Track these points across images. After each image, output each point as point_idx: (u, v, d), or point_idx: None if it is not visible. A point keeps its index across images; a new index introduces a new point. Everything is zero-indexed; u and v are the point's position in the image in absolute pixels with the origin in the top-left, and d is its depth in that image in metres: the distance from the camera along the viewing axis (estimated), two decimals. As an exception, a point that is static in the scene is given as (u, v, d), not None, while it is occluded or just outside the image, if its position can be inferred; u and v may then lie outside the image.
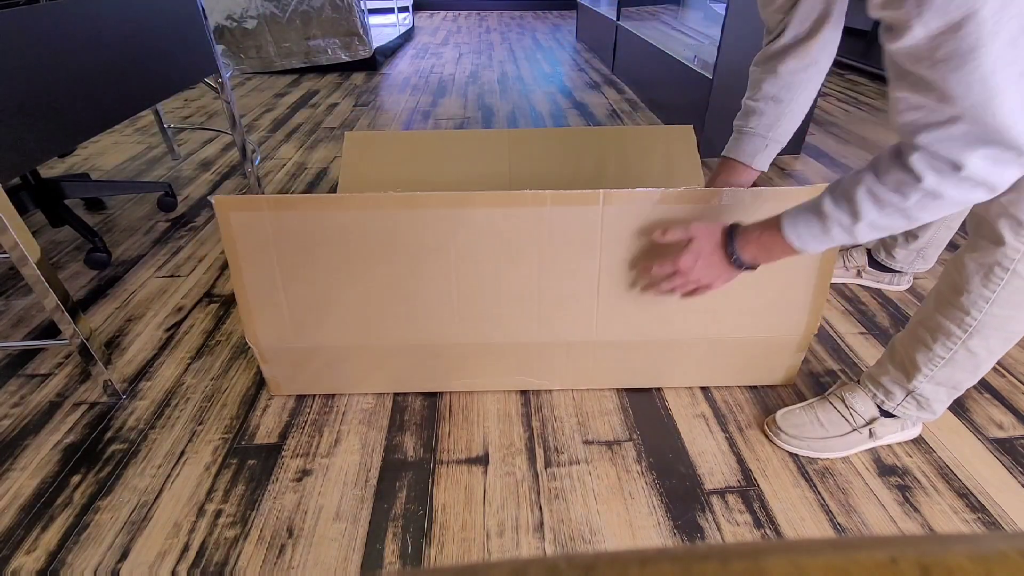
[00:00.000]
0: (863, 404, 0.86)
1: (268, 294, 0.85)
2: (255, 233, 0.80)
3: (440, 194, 0.79)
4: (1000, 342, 0.72)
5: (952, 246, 1.39)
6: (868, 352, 1.08)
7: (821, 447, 0.86)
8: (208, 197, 1.76)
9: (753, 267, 0.71)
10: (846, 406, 0.86)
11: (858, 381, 0.89)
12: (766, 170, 0.86)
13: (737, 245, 0.69)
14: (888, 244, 1.22)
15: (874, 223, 0.57)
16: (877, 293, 1.25)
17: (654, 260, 0.79)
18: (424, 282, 0.86)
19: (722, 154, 0.87)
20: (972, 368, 0.75)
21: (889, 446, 0.88)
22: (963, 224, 1.35)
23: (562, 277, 0.86)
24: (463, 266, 0.84)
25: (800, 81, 0.79)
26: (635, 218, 0.81)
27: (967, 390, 0.98)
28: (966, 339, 0.72)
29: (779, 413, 0.90)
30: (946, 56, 0.45)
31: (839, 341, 1.11)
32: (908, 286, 1.25)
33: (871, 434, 0.85)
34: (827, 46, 0.77)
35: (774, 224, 0.65)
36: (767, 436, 0.90)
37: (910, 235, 1.16)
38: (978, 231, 0.69)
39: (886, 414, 0.85)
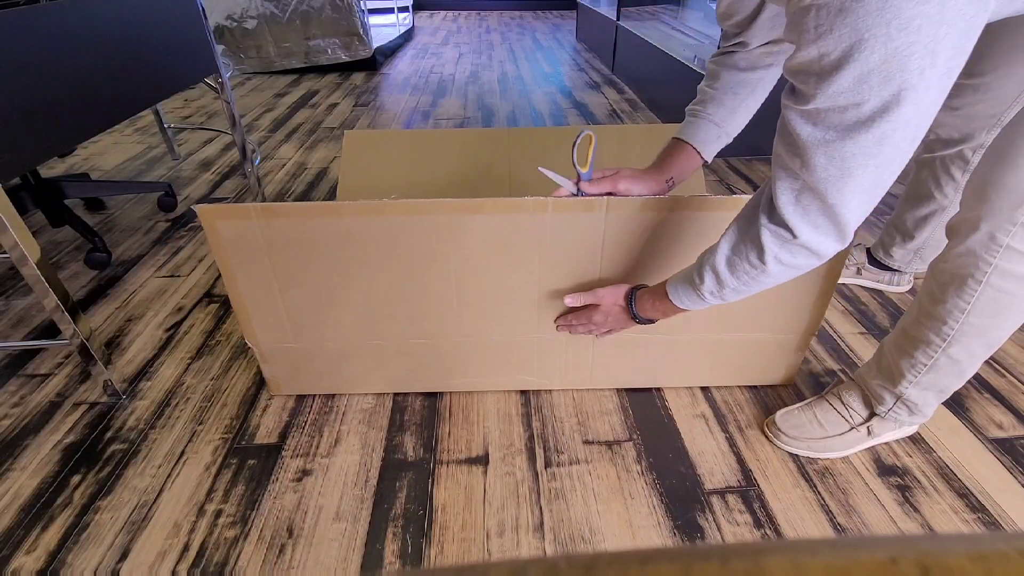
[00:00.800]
0: (860, 403, 0.86)
1: (264, 298, 0.84)
2: (246, 241, 0.79)
3: (440, 201, 0.78)
4: (982, 348, 0.72)
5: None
6: (868, 352, 1.08)
7: (821, 447, 0.86)
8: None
9: (653, 321, 0.79)
10: (844, 405, 0.87)
11: (852, 380, 0.89)
12: (710, 162, 0.85)
13: (636, 307, 0.78)
14: (886, 243, 1.21)
15: (738, 289, 0.63)
16: (877, 293, 1.26)
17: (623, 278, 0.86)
18: (424, 286, 0.85)
19: (675, 136, 0.85)
20: (957, 373, 0.76)
21: (889, 446, 0.88)
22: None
23: (562, 280, 0.86)
24: (464, 270, 0.84)
25: (759, 79, 0.80)
26: (638, 223, 0.81)
27: (966, 389, 0.98)
28: (946, 347, 0.73)
29: (778, 414, 0.90)
30: (825, 128, 0.47)
31: (839, 341, 1.11)
32: (909, 287, 1.25)
33: (869, 432, 0.85)
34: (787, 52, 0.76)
35: (663, 290, 0.72)
36: (767, 437, 0.90)
37: (907, 235, 1.16)
38: (951, 243, 0.69)
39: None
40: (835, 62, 0.43)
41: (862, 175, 0.48)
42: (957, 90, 0.93)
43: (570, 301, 0.84)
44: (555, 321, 0.90)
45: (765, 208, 0.58)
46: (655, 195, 0.81)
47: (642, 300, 0.77)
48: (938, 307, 0.71)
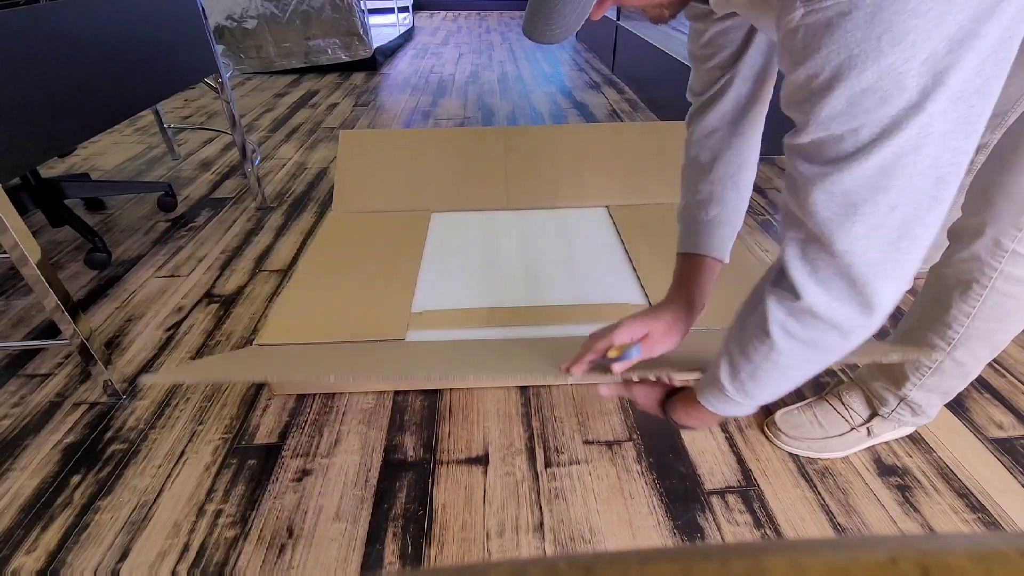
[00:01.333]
0: (860, 403, 0.86)
1: None
2: None
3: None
4: (987, 350, 0.72)
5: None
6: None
7: (821, 447, 0.86)
8: (208, 197, 1.76)
9: (684, 426, 0.66)
10: (844, 405, 0.87)
11: (853, 381, 0.89)
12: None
13: (671, 416, 0.66)
14: None
15: (754, 374, 0.52)
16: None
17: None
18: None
19: (688, 251, 0.71)
20: (961, 375, 0.76)
21: (889, 446, 0.88)
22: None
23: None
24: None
25: (753, 134, 0.68)
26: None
27: (966, 389, 0.98)
28: (951, 351, 0.72)
29: (778, 414, 0.90)
30: (823, 162, 0.41)
31: (839, 341, 1.11)
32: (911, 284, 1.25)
33: (869, 432, 0.85)
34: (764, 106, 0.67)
35: (693, 397, 0.61)
36: (767, 437, 0.90)
37: None
38: (953, 247, 0.69)
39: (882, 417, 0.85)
40: (825, 83, 0.38)
41: (871, 214, 0.41)
42: None
43: (605, 392, 0.70)
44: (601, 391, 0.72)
45: (773, 271, 0.49)
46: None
47: (675, 410, 0.65)
48: (942, 312, 0.70)
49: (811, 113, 0.40)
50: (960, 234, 0.67)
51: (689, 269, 0.71)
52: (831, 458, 0.86)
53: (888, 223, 0.41)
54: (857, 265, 0.43)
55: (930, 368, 0.75)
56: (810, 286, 0.45)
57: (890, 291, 0.44)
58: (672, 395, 0.67)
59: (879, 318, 0.45)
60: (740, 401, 0.56)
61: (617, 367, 0.66)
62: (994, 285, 0.65)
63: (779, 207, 0.47)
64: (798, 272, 0.45)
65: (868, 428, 0.85)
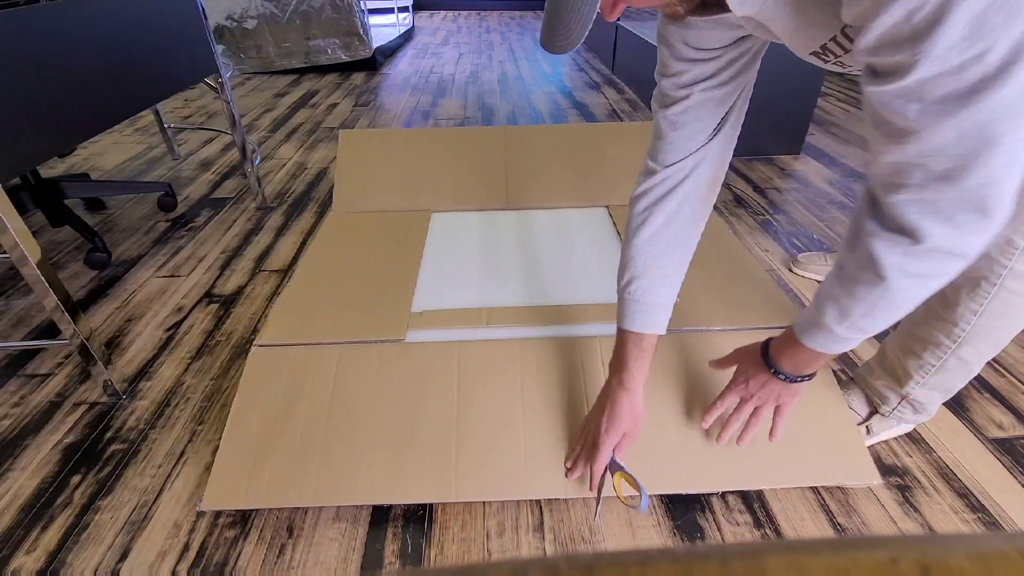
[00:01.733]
0: (860, 402, 0.86)
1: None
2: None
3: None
4: (991, 348, 0.72)
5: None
6: (868, 353, 1.08)
7: None
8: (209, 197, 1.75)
9: (803, 376, 0.66)
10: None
11: (852, 380, 0.89)
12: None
13: (772, 360, 0.67)
14: None
15: (869, 312, 0.52)
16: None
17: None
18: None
19: (636, 330, 0.72)
20: (964, 373, 0.76)
21: (889, 446, 0.88)
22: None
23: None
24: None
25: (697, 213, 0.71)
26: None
27: (966, 389, 0.98)
28: (956, 348, 0.72)
29: None
30: (942, 100, 0.38)
31: (839, 341, 1.11)
32: None
33: (868, 431, 0.85)
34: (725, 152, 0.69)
35: (793, 338, 0.62)
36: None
37: None
38: None
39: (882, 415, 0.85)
40: (932, 14, 0.34)
41: (1012, 141, 0.38)
42: None
43: (714, 365, 0.76)
44: (717, 439, 0.77)
45: (870, 212, 0.48)
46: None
47: (776, 351, 0.66)
48: (949, 309, 0.70)
49: (918, 52, 0.36)
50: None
51: (636, 347, 0.73)
52: None
53: (1022, 144, 0.38)
54: (993, 195, 0.41)
55: (934, 366, 0.75)
56: (934, 227, 0.43)
57: (1013, 202, 0.42)
58: (766, 352, 0.68)
59: (999, 228, 0.44)
60: (850, 337, 0.56)
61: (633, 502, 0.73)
62: (1003, 283, 0.65)
63: (869, 147, 0.47)
64: (917, 217, 0.44)
65: (867, 427, 0.85)
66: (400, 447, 0.81)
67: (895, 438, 0.89)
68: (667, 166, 0.67)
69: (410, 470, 0.79)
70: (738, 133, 0.68)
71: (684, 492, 0.79)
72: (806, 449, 0.80)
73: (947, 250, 0.45)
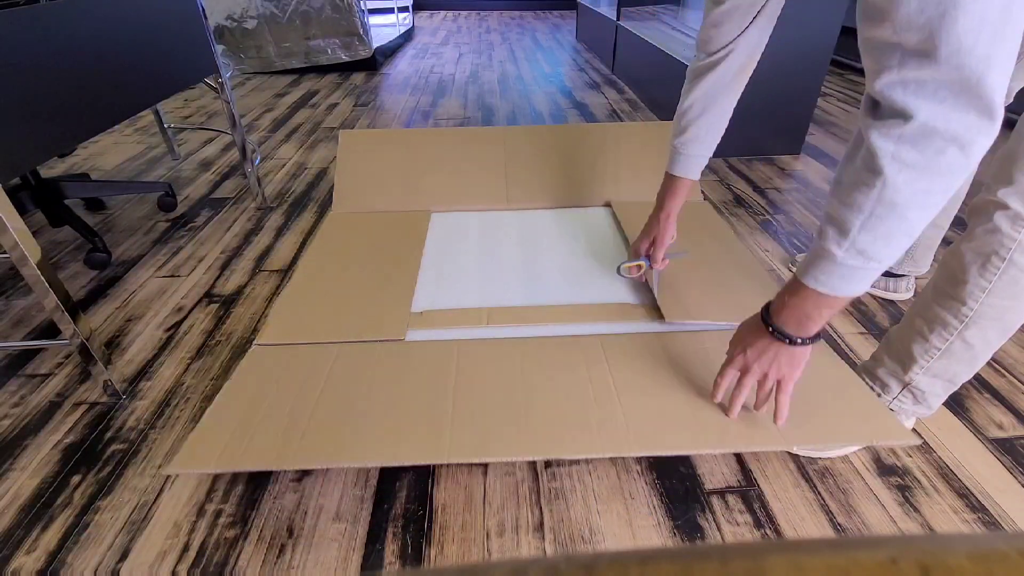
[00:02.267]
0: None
1: None
2: None
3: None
4: (997, 333, 0.72)
5: (948, 243, 1.39)
6: (868, 352, 1.08)
7: (829, 447, 0.86)
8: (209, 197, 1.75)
9: (805, 338, 0.63)
10: None
11: (854, 371, 0.89)
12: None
13: (772, 318, 0.65)
14: None
15: (867, 224, 0.50)
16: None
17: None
18: None
19: (669, 171, 1.00)
20: (969, 360, 0.75)
21: (889, 445, 0.88)
22: (956, 221, 1.35)
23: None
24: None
25: (742, 80, 0.89)
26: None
27: (966, 389, 0.98)
28: (962, 329, 0.72)
29: None
30: None
31: (839, 341, 1.11)
32: (909, 294, 1.23)
33: None
34: (757, 48, 0.86)
35: (795, 282, 0.60)
36: None
37: None
38: (975, 221, 0.69)
39: None
40: None
41: (971, 3, 0.39)
42: None
43: (721, 394, 0.76)
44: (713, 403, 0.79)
45: (866, 112, 0.48)
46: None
47: (776, 308, 0.64)
48: (958, 287, 0.70)
49: None
50: (983, 208, 0.68)
51: (671, 186, 1.00)
52: (831, 457, 0.86)
53: (991, 6, 0.39)
54: (967, 64, 0.41)
55: (939, 350, 0.75)
56: (920, 102, 0.44)
57: (1000, 84, 0.42)
58: (767, 311, 0.66)
59: (998, 119, 0.44)
60: (856, 265, 0.52)
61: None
62: (1012, 258, 0.65)
63: (860, 45, 0.48)
64: (902, 94, 0.44)
65: None
66: (392, 417, 0.79)
67: (895, 438, 0.89)
68: (709, 53, 0.86)
69: (401, 435, 0.76)
70: (773, 24, 0.82)
71: (713, 452, 0.79)
72: (831, 415, 0.78)
73: (939, 131, 0.44)
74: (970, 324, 0.71)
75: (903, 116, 0.45)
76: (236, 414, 0.80)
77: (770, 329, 0.65)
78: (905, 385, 0.81)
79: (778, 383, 0.69)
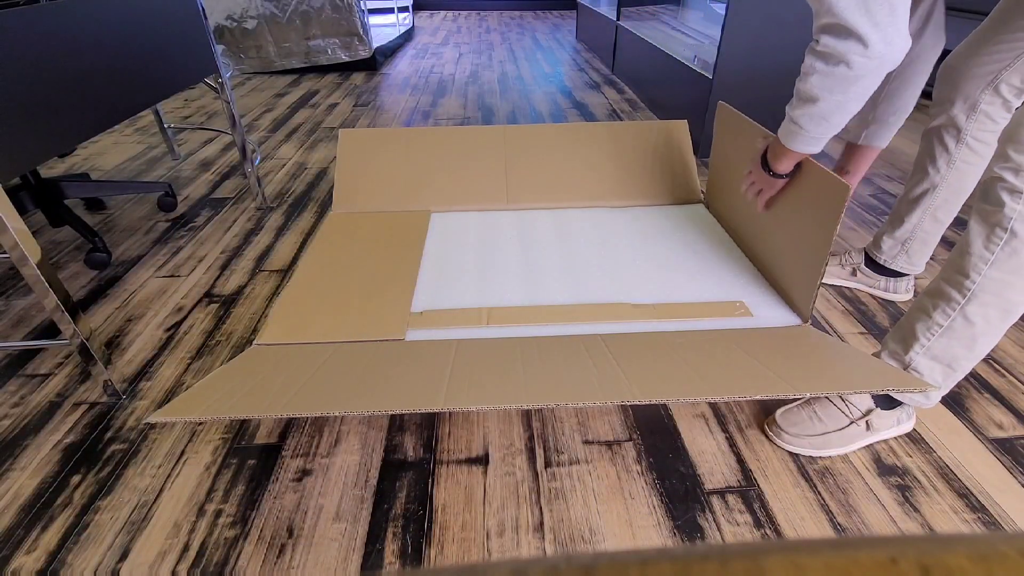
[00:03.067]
0: (859, 396, 0.86)
1: None
2: None
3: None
4: (998, 313, 0.73)
5: (946, 243, 1.39)
6: (867, 352, 1.08)
7: (821, 443, 0.86)
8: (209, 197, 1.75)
9: (777, 172, 0.95)
10: (843, 399, 0.87)
11: None
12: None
13: (766, 157, 0.96)
14: (878, 234, 1.20)
15: (798, 106, 0.81)
16: (877, 293, 1.25)
17: None
18: None
19: (858, 142, 1.12)
20: (968, 341, 0.76)
21: (889, 446, 0.88)
22: (956, 221, 1.35)
23: None
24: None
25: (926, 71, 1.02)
26: None
27: (966, 389, 0.98)
28: (964, 304, 0.74)
29: (778, 412, 0.90)
30: None
31: (839, 341, 1.11)
32: (908, 296, 1.23)
33: (868, 426, 0.85)
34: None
35: (777, 145, 0.91)
36: (767, 436, 0.90)
37: (897, 221, 1.15)
38: (982, 197, 0.72)
39: (883, 401, 0.85)
40: None
41: None
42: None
43: (746, 194, 1.07)
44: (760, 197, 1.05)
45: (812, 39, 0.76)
46: None
47: (768, 152, 0.95)
48: (964, 260, 0.73)
49: None
50: (987, 184, 0.71)
51: (860, 154, 1.13)
52: (832, 455, 0.86)
53: None
54: (840, 15, 0.68)
55: (941, 327, 0.76)
56: (825, 36, 0.71)
57: (867, 26, 0.67)
58: (764, 155, 0.97)
59: (874, 46, 0.68)
60: (794, 130, 0.84)
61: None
62: (1012, 228, 0.68)
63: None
64: (818, 32, 0.72)
65: (867, 422, 0.85)
66: (389, 380, 0.78)
67: (895, 438, 0.89)
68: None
69: (396, 391, 0.75)
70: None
71: (731, 398, 0.77)
72: (841, 372, 0.80)
73: (833, 53, 0.71)
74: (972, 299, 0.73)
75: (817, 42, 0.73)
76: (226, 385, 0.79)
77: (762, 163, 0.97)
78: (905, 367, 0.81)
79: (760, 191, 1.03)
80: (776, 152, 0.91)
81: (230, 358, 1.08)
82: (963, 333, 0.75)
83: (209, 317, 1.20)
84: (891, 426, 0.86)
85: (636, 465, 0.86)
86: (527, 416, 0.95)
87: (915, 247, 1.16)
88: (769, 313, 1.00)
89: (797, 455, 0.87)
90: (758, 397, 0.72)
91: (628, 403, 0.72)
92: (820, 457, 0.86)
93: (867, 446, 0.88)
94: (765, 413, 0.94)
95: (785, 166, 0.93)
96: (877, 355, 0.86)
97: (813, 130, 0.81)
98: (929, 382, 0.81)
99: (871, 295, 1.25)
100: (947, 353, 0.78)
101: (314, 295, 1.07)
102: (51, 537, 0.76)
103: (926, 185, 1.08)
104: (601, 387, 0.74)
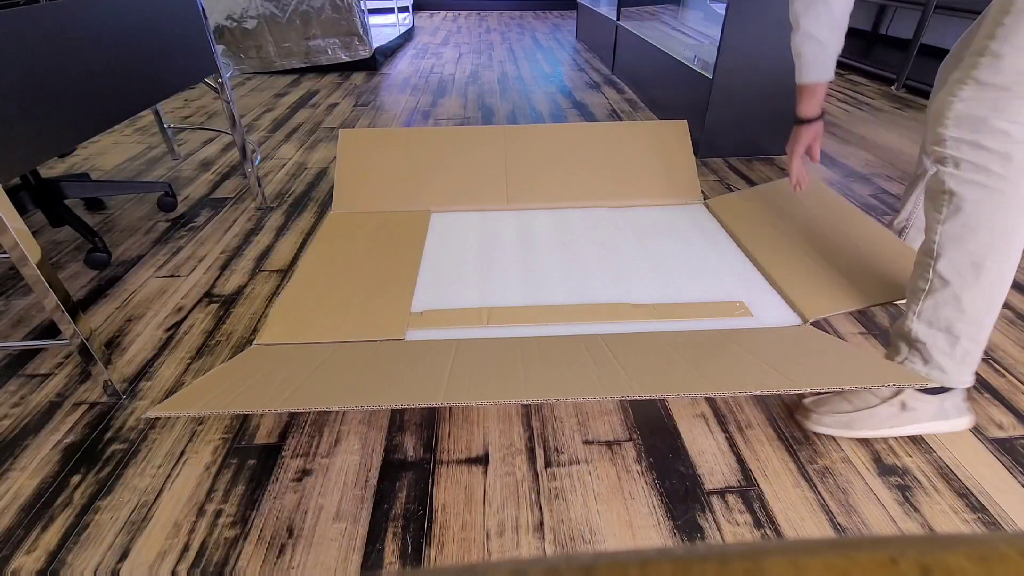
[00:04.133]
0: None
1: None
2: None
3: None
4: (967, 266, 0.75)
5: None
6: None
7: (849, 421, 0.87)
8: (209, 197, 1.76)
9: (801, 118, 1.03)
10: None
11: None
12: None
13: (796, 113, 1.05)
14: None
15: (793, 22, 0.94)
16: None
17: None
18: None
19: (807, 81, 1.08)
20: (951, 299, 0.77)
21: (889, 446, 0.88)
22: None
23: None
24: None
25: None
26: None
27: (967, 389, 0.98)
28: (934, 264, 0.78)
29: (808, 399, 0.92)
30: None
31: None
32: None
33: (903, 406, 0.86)
34: None
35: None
36: (797, 423, 0.91)
37: (897, 210, 1.19)
38: (929, 172, 0.79)
39: None
40: None
41: None
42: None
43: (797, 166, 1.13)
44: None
45: None
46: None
47: (796, 103, 1.04)
48: (928, 227, 0.79)
49: None
50: (927, 157, 0.81)
51: (817, 91, 1.09)
52: (868, 436, 0.88)
53: None
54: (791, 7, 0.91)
55: (923, 291, 0.80)
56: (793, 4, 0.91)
57: (794, 12, 0.92)
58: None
59: (796, 26, 0.93)
60: (800, 54, 0.95)
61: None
62: (950, 187, 0.74)
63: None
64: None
65: (902, 402, 0.86)
66: (390, 376, 0.79)
67: (895, 438, 0.89)
68: None
69: (397, 386, 0.75)
70: None
71: (735, 393, 0.77)
72: (845, 368, 0.81)
73: (794, 18, 0.92)
74: (939, 257, 0.77)
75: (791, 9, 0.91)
76: (225, 382, 0.79)
77: (795, 122, 1.06)
78: (908, 341, 0.83)
79: (800, 157, 1.10)
80: (798, 98, 1.01)
81: (230, 358, 1.08)
82: (944, 293, 0.78)
83: (209, 317, 1.20)
84: (936, 417, 0.86)
85: (636, 465, 0.86)
86: (527, 416, 0.95)
87: (912, 234, 1.18)
88: (769, 313, 1.00)
89: (797, 455, 0.87)
90: (758, 392, 0.72)
91: (628, 398, 0.72)
92: (855, 436, 0.88)
93: (867, 441, 0.88)
94: (765, 413, 0.94)
95: (807, 107, 1.01)
96: (888, 342, 0.88)
97: (808, 52, 0.93)
98: (936, 356, 0.81)
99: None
100: (938, 316, 0.80)
101: (314, 295, 1.07)
102: (51, 537, 0.76)
103: (919, 170, 1.12)
104: (601, 383, 0.74)
